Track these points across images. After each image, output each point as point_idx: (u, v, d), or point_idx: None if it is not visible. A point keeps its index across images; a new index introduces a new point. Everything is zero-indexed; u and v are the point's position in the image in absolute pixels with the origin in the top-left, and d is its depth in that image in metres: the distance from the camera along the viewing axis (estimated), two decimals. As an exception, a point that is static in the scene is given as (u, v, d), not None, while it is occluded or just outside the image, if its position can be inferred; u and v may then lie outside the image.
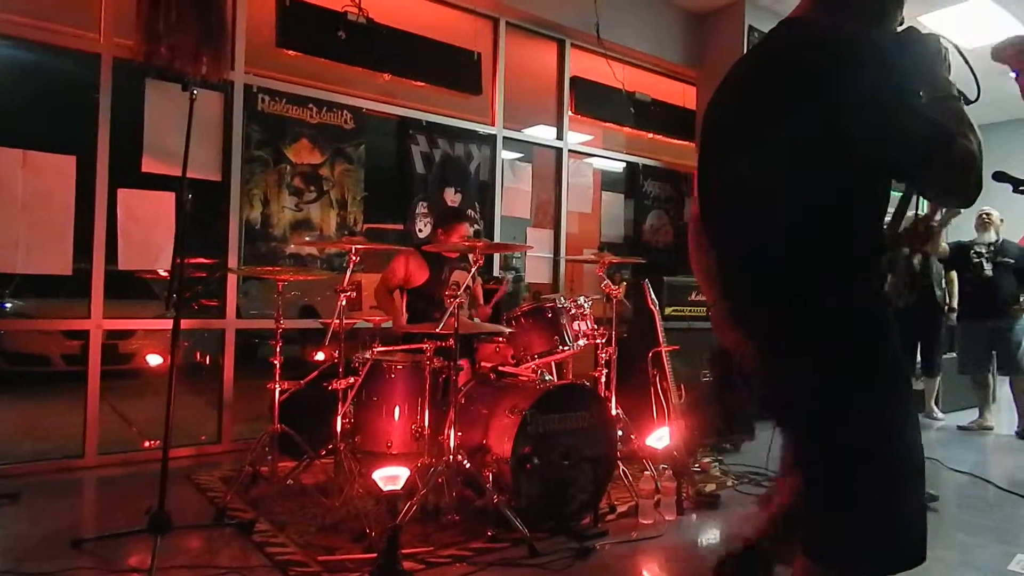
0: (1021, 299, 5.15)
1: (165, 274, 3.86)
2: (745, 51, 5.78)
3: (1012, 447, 4.91)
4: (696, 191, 1.64)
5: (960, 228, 6.31)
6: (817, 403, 1.36)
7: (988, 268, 5.26)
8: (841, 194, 1.31)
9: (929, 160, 1.28)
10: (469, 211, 5.14)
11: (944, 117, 1.31)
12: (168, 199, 3.81)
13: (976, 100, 1.49)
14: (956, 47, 1.46)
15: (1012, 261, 5.22)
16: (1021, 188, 1.68)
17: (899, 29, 1.48)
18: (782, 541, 1.81)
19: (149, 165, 3.82)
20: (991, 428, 5.31)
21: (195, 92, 2.65)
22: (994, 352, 5.24)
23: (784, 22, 1.51)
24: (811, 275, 1.34)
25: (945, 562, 2.65)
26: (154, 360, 6.13)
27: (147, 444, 4.05)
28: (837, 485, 1.36)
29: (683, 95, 6.47)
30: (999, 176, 1.61)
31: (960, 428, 5.38)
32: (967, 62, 1.52)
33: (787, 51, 1.44)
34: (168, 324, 2.63)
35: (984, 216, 5.39)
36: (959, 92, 1.42)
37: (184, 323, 3.13)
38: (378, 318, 3.56)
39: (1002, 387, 5.44)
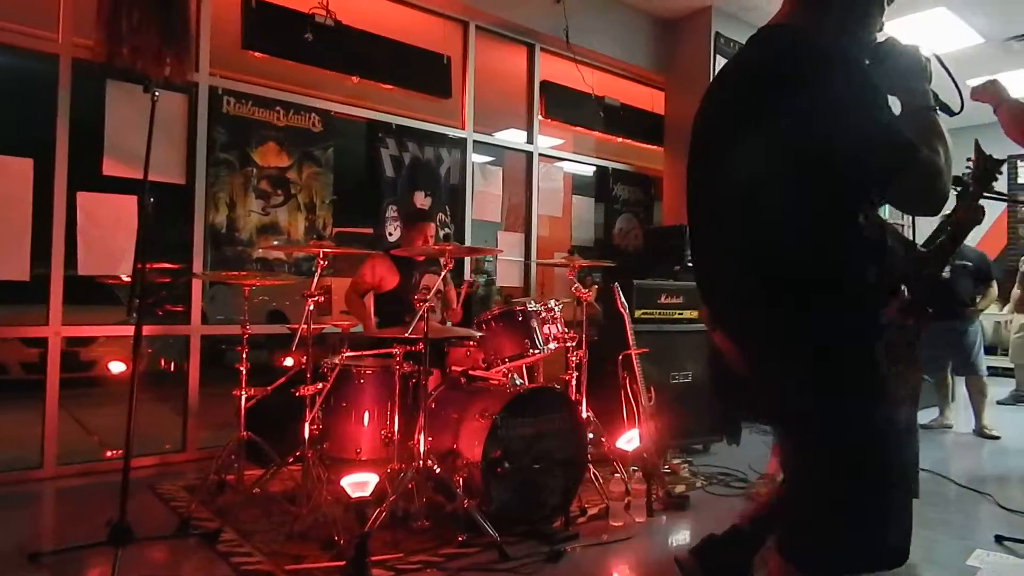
0: (977, 301, 5.29)
1: (128, 279, 3.77)
2: (711, 57, 5.86)
3: (971, 445, 5.04)
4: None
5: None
6: (800, 407, 1.37)
7: (946, 270, 5.38)
8: (818, 199, 1.32)
9: (891, 170, 1.29)
10: (439, 215, 5.12)
11: (913, 128, 1.32)
12: (130, 202, 3.73)
13: (960, 111, 1.53)
14: (938, 58, 1.48)
15: (969, 264, 5.36)
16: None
17: (879, 39, 1.49)
18: (767, 528, 1.84)
19: (111, 168, 3.74)
20: (951, 426, 5.45)
21: (157, 94, 2.60)
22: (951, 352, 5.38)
23: (763, 29, 1.53)
24: (793, 279, 1.34)
25: (907, 558, 2.70)
26: (117, 367, 5.99)
27: (109, 454, 3.96)
28: (817, 489, 1.37)
29: (652, 100, 6.54)
30: (956, 181, 1.66)
31: (921, 427, 5.51)
32: (949, 73, 1.53)
33: (760, 59, 1.46)
34: (130, 330, 2.57)
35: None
36: (942, 104, 1.45)
37: (147, 329, 3.07)
38: (347, 323, 3.52)
39: (960, 387, 5.58)
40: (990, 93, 2.24)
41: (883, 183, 1.33)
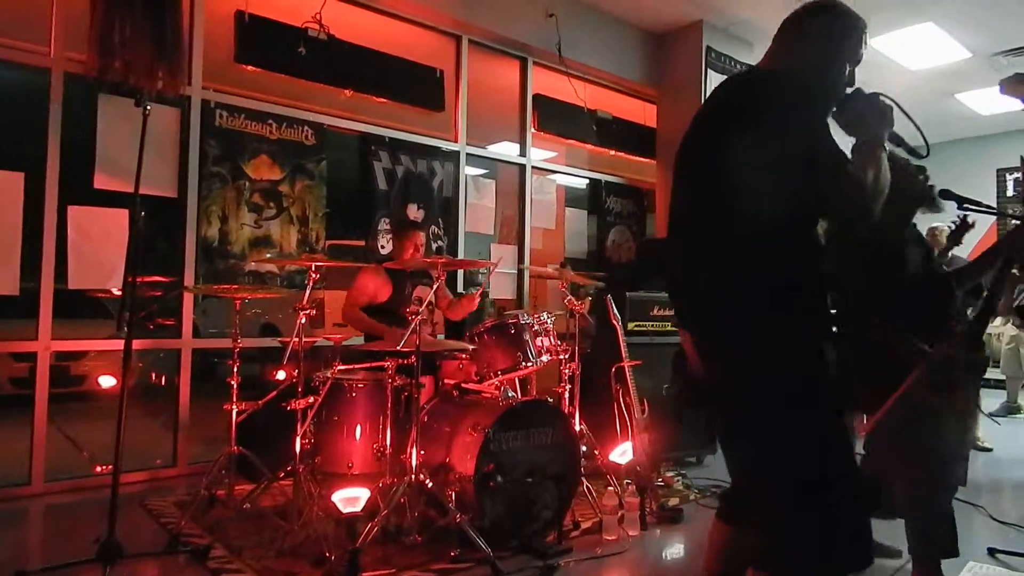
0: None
1: (118, 293, 3.75)
2: (703, 70, 5.91)
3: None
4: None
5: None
6: (756, 422, 1.46)
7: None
8: (779, 214, 1.42)
9: (824, 179, 1.43)
10: (432, 227, 5.13)
11: (859, 158, 1.48)
12: (121, 216, 3.72)
13: (926, 156, 1.66)
14: (897, 105, 1.62)
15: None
16: (965, 205, 1.77)
17: (848, 91, 1.65)
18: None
19: (102, 182, 3.72)
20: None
21: (148, 108, 2.60)
22: None
23: (747, 71, 1.78)
24: (755, 284, 1.44)
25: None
26: (107, 382, 5.94)
27: (99, 469, 3.91)
28: (777, 501, 1.44)
29: (644, 113, 6.58)
30: (945, 194, 1.72)
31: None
32: (909, 117, 1.68)
33: (726, 92, 1.63)
34: (121, 344, 2.55)
35: (935, 232, 5.56)
36: (909, 148, 1.65)
37: (138, 343, 3.06)
38: (339, 336, 3.51)
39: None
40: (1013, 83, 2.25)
41: (823, 200, 1.49)
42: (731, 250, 1.46)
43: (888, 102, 1.58)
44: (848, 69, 1.64)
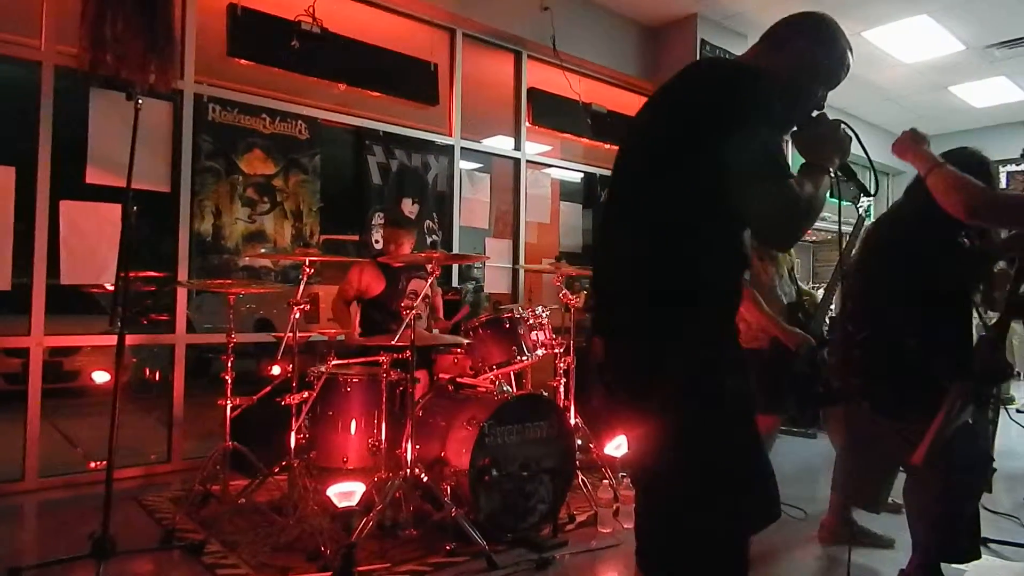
0: None
1: (111, 288, 3.74)
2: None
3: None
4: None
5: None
6: (655, 425, 1.39)
7: None
8: (710, 218, 1.36)
9: (756, 197, 1.34)
10: (427, 222, 5.11)
11: (802, 174, 1.41)
12: (114, 211, 3.70)
13: (874, 194, 1.62)
14: (858, 138, 1.56)
15: None
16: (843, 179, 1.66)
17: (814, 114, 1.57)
18: None
19: (94, 176, 3.70)
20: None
21: (140, 101, 2.58)
22: None
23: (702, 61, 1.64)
24: (679, 287, 1.37)
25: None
26: (101, 377, 5.92)
27: (93, 465, 3.90)
28: (668, 507, 1.40)
29: (638, 106, 6.48)
30: (845, 169, 1.63)
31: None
32: (864, 149, 1.63)
33: (684, 77, 1.52)
34: (114, 340, 2.54)
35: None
36: (860, 184, 1.59)
37: (131, 338, 3.05)
38: (334, 331, 3.50)
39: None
40: (913, 150, 2.15)
41: (748, 208, 1.37)
42: (658, 248, 1.38)
43: (849, 132, 1.51)
44: (821, 92, 1.55)
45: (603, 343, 1.52)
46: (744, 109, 1.34)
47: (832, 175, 1.47)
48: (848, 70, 1.57)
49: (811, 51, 1.51)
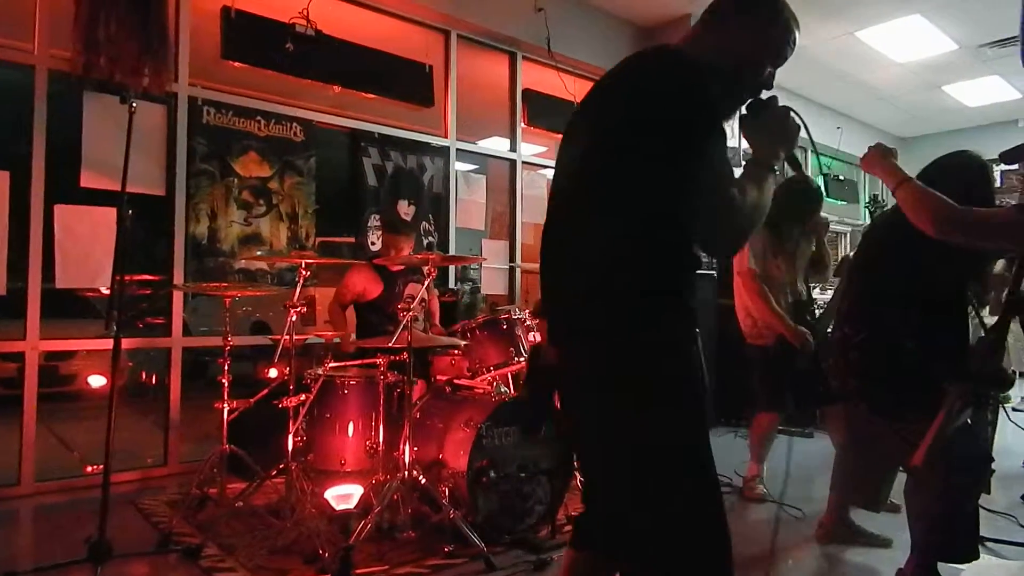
0: None
1: (107, 292, 3.73)
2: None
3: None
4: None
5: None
6: (604, 418, 1.37)
7: None
8: (641, 218, 1.32)
9: (699, 210, 1.31)
10: (423, 224, 5.11)
11: (745, 175, 1.36)
12: (109, 215, 3.68)
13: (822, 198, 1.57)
14: (803, 123, 1.50)
15: None
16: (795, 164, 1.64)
17: (766, 95, 1.51)
18: None
19: (88, 180, 3.69)
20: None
21: (134, 105, 2.58)
22: None
23: (650, 49, 1.53)
24: (609, 293, 1.33)
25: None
26: (97, 381, 5.90)
27: (89, 469, 3.89)
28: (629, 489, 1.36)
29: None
30: (791, 160, 1.60)
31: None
32: (811, 140, 1.58)
33: (626, 68, 1.47)
34: (110, 344, 2.53)
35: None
36: (803, 176, 1.49)
37: (127, 342, 3.03)
38: (330, 333, 3.50)
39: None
40: (881, 164, 2.12)
41: (690, 212, 1.33)
42: (609, 240, 1.33)
43: (798, 121, 1.46)
44: (767, 70, 1.48)
45: (559, 348, 1.47)
46: (687, 115, 1.29)
47: (776, 171, 1.42)
48: (794, 45, 1.50)
49: (754, 25, 1.46)
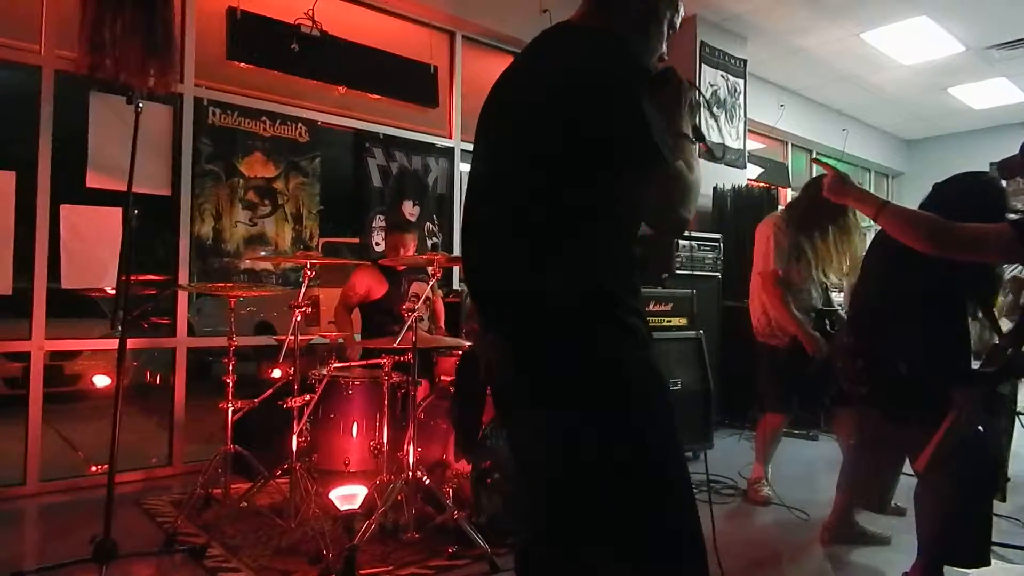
0: None
1: (112, 292, 3.74)
2: (697, 65, 5.89)
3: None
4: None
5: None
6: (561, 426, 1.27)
7: None
8: (592, 227, 1.26)
9: (652, 189, 1.27)
10: (427, 224, 5.12)
11: (674, 148, 1.28)
12: (115, 215, 3.70)
13: (720, 159, 1.51)
14: (700, 92, 1.46)
15: None
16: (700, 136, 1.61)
17: (659, 67, 1.45)
18: None
19: (94, 180, 3.70)
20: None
21: (140, 105, 2.59)
22: None
23: (553, 28, 1.47)
24: (553, 293, 1.26)
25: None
26: (102, 381, 5.92)
27: (94, 469, 3.90)
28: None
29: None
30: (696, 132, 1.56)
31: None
32: (712, 112, 1.54)
33: (542, 56, 1.41)
34: (115, 344, 2.54)
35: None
36: (696, 130, 1.41)
37: (132, 342, 3.05)
38: (335, 334, 3.51)
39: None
40: (852, 195, 2.12)
41: (643, 192, 1.29)
42: (552, 248, 1.26)
43: (687, 85, 1.38)
44: (665, 34, 1.44)
45: (495, 345, 1.39)
46: (628, 96, 1.23)
47: (691, 140, 1.36)
48: (681, 12, 1.48)
49: None
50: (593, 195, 1.26)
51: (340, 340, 3.58)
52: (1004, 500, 2.51)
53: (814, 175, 2.77)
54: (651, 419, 1.28)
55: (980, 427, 2.24)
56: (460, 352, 3.31)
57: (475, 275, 1.43)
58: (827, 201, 2.37)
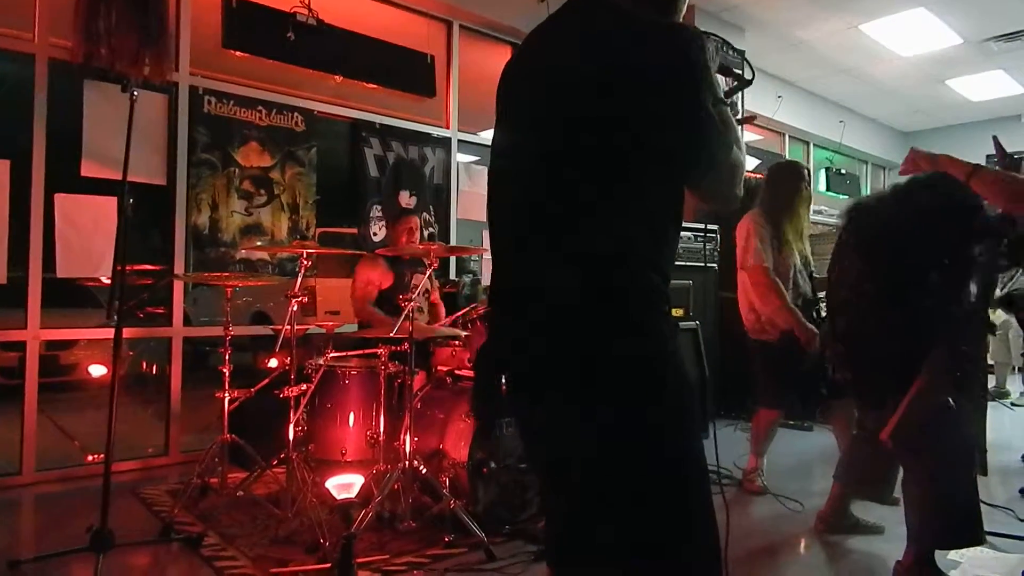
0: None
1: (108, 281, 3.73)
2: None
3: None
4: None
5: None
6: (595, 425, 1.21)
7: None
8: (641, 222, 1.22)
9: (713, 160, 1.23)
10: (424, 214, 5.10)
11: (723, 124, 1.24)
12: (110, 204, 3.68)
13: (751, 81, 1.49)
14: (726, 42, 1.41)
15: None
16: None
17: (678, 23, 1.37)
18: None
19: (89, 169, 3.68)
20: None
21: (135, 94, 2.57)
22: None
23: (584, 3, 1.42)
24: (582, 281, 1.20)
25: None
26: (97, 371, 5.91)
27: (90, 458, 3.90)
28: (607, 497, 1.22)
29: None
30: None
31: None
32: (731, 47, 1.50)
33: (588, 38, 1.35)
34: (111, 333, 2.53)
35: None
36: (738, 75, 1.39)
37: (128, 332, 3.04)
38: (331, 324, 3.50)
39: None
40: (944, 160, 2.27)
41: (702, 173, 1.27)
42: (602, 245, 1.20)
43: (716, 41, 1.34)
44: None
45: (520, 348, 1.35)
46: (694, 78, 1.19)
47: (725, 103, 1.30)
48: None
49: None
50: (642, 175, 1.21)
51: (337, 330, 3.56)
52: (985, 474, 2.54)
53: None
54: (685, 414, 1.26)
55: (951, 401, 2.26)
56: (462, 344, 3.31)
57: (511, 276, 1.35)
58: (783, 182, 2.38)
